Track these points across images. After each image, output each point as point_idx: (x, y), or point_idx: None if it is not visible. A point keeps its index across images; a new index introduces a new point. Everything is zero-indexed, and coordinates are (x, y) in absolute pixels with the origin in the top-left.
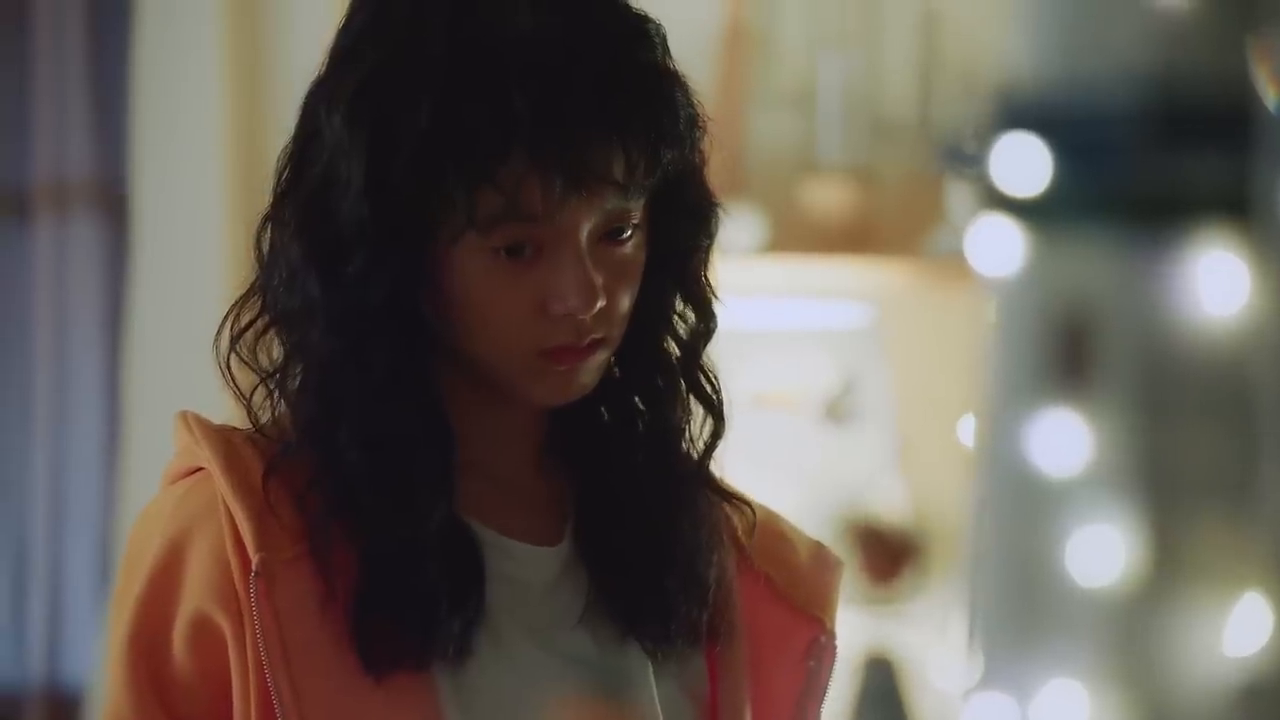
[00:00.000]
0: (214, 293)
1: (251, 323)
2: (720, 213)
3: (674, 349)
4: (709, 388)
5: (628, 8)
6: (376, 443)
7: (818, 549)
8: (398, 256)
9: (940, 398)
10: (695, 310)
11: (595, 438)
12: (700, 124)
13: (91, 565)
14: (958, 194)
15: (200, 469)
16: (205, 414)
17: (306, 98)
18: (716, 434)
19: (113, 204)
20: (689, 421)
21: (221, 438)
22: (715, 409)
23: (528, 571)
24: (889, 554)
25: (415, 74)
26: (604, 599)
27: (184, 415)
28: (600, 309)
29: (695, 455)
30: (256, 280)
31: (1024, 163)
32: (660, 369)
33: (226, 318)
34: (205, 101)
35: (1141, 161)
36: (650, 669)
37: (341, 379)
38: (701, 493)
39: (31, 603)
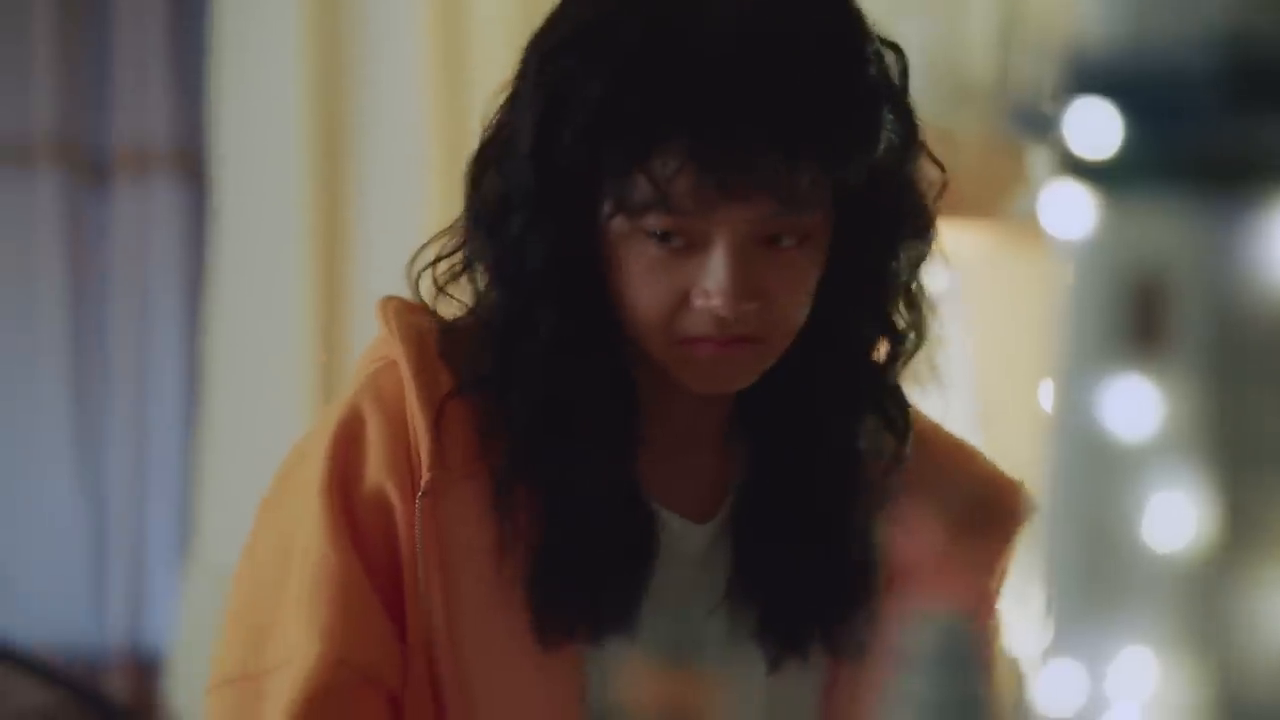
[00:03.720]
0: (294, 257)
1: (449, 254)
2: (927, 231)
3: (871, 360)
4: (891, 409)
5: (848, 18)
6: (546, 402)
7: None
8: (556, 222)
9: (1021, 362)
10: (880, 328)
11: (775, 423)
12: (909, 142)
13: (172, 531)
14: (1039, 157)
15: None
16: (287, 379)
17: (527, 45)
18: (897, 457)
19: (193, 168)
20: (865, 435)
21: (416, 338)
22: (896, 431)
23: (677, 542)
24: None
25: (601, 45)
26: (743, 585)
27: (384, 304)
28: (753, 308)
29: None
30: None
31: (1096, 126)
32: (841, 381)
33: (429, 243)
34: (285, 65)
35: (1215, 124)
36: (764, 666)
37: (508, 336)
38: (873, 511)
39: (112, 568)
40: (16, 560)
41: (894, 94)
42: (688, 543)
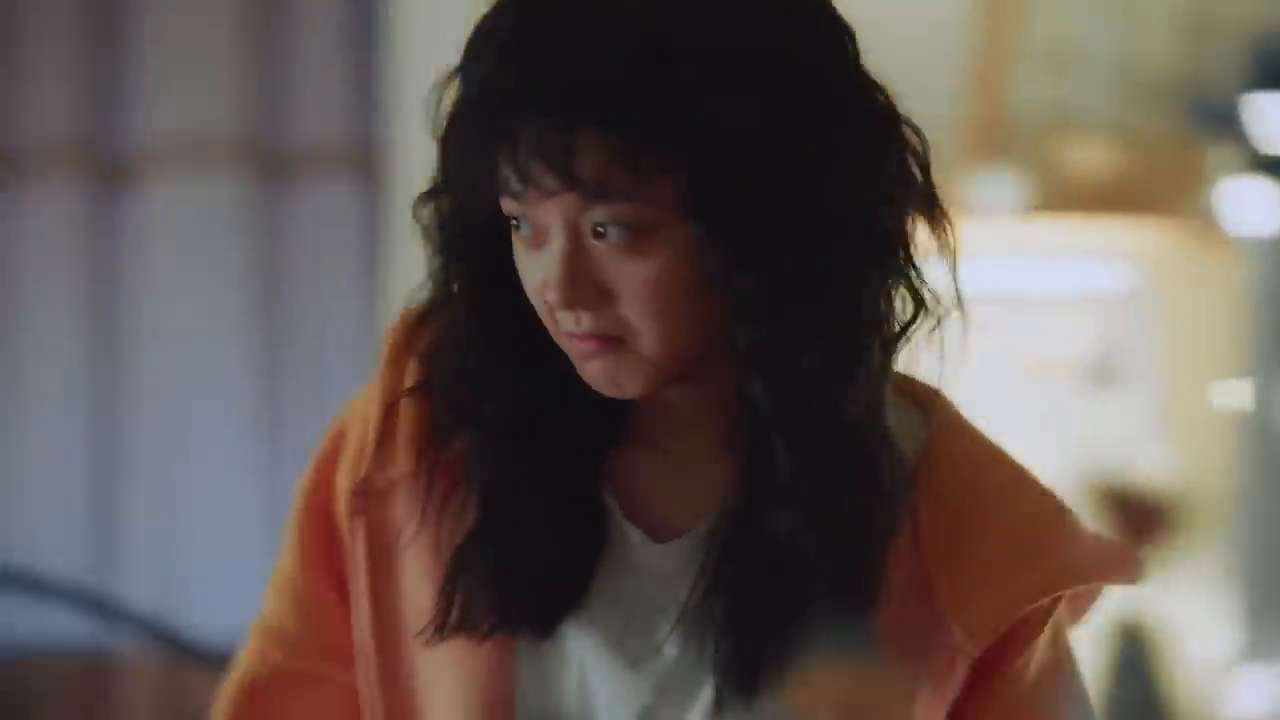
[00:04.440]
0: None
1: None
2: (886, 250)
3: (833, 392)
4: (858, 444)
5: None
6: (470, 384)
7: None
8: (462, 205)
9: (1205, 360)
10: (833, 358)
11: (752, 454)
12: (834, 146)
13: None
14: (1223, 153)
15: None
16: None
17: None
18: (885, 498)
19: (369, 165)
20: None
21: (403, 334)
22: (869, 471)
23: (634, 555)
24: (1140, 519)
25: (470, 40)
26: (697, 617)
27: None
28: (591, 303)
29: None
30: None
31: None
32: (796, 412)
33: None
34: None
35: None
36: (709, 700)
37: (448, 313)
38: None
39: None
40: (198, 557)
41: (769, 85)
42: (646, 558)
